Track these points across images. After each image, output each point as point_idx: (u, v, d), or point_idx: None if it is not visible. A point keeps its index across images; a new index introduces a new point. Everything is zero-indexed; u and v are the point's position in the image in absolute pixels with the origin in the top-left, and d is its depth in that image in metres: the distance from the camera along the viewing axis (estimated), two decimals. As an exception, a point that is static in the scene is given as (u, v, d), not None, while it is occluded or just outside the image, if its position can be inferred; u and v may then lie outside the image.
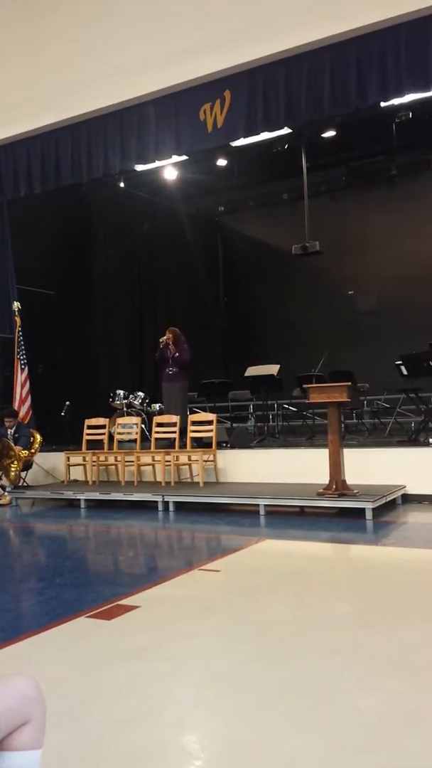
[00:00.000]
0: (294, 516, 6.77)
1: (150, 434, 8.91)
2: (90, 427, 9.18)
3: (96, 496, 7.99)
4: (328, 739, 2.13)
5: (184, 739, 2.22)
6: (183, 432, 8.53)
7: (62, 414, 10.31)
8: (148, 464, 8.61)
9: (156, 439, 8.70)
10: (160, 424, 8.76)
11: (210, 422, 8.36)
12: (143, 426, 9.32)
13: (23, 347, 9.92)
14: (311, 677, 2.65)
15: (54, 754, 1.93)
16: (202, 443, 8.48)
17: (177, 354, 9.22)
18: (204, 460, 7.96)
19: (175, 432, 8.51)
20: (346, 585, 4.27)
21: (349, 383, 6.76)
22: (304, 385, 7.35)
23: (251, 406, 12.06)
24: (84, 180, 9.18)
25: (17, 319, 9.95)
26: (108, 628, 3.38)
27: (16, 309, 9.97)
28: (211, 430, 8.26)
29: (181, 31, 7.74)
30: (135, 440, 8.89)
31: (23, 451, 8.86)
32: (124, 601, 3.80)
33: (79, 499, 8.00)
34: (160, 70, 7.89)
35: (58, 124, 8.87)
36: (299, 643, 3.04)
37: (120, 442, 9.05)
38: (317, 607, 3.60)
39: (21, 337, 9.92)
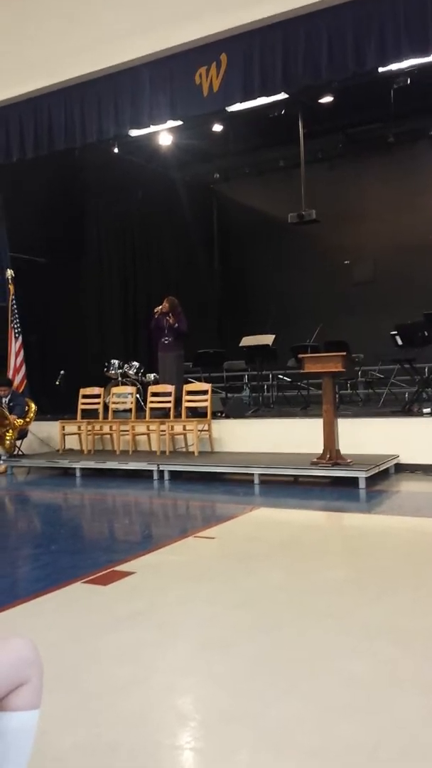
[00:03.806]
0: (288, 485, 6.82)
1: (145, 404, 8.93)
2: (85, 396, 9.19)
3: (91, 465, 8.02)
4: (321, 704, 2.17)
5: (178, 703, 2.26)
6: (178, 401, 8.55)
7: (57, 383, 10.31)
8: (143, 434, 8.63)
9: (151, 408, 8.72)
10: (155, 394, 8.78)
11: (205, 392, 8.37)
12: (138, 395, 9.34)
13: (17, 315, 9.86)
14: (303, 643, 2.69)
15: (50, 718, 1.97)
16: (197, 413, 8.51)
17: (177, 324, 9.16)
18: (199, 430, 7.99)
19: (170, 401, 8.53)
20: (338, 552, 4.32)
21: (344, 353, 6.76)
22: (299, 355, 7.35)
23: (246, 377, 12.08)
24: (77, 145, 9.01)
25: (11, 286, 9.86)
26: (104, 594, 3.42)
27: (9, 277, 9.88)
28: (206, 400, 8.28)
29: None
30: (130, 410, 8.93)
31: (18, 420, 8.87)
32: (120, 567, 3.84)
33: (74, 468, 8.04)
34: (154, 33, 7.69)
35: (51, 87, 8.67)
36: (292, 609, 3.09)
37: (115, 411, 9.07)
38: (310, 573, 3.64)
39: (14, 305, 9.84)
